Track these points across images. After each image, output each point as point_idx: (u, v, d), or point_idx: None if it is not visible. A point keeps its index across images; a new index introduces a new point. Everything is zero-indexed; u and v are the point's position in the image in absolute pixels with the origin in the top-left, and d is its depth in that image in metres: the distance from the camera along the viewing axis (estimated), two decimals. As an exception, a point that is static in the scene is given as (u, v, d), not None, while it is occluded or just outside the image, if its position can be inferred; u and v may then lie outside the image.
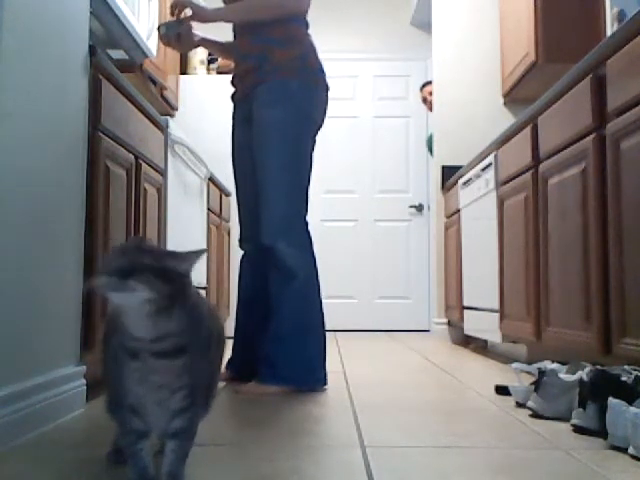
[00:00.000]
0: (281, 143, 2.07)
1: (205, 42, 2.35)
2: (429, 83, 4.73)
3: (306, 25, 2.20)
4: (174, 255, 0.86)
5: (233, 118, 2.29)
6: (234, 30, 2.24)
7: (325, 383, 2.07)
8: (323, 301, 2.16)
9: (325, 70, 2.19)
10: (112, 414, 0.96)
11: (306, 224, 2.12)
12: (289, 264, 2.05)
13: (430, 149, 4.94)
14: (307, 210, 2.13)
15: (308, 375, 2.05)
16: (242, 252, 2.33)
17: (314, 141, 2.16)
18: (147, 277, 0.81)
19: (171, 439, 0.92)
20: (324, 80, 2.17)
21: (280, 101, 2.07)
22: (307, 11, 2.19)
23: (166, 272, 0.83)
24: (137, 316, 0.83)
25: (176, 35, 2.18)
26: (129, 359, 0.86)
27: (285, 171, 2.07)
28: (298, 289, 2.07)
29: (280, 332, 2.06)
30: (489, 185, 3.04)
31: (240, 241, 2.31)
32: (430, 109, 4.72)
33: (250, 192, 2.20)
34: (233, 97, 2.28)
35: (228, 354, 2.30)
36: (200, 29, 2.27)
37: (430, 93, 4.65)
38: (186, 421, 0.92)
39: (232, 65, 2.33)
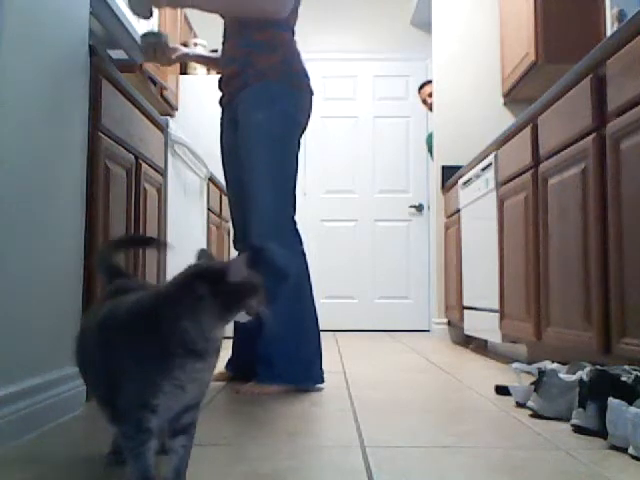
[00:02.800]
0: (266, 145, 2.08)
1: (186, 57, 2.41)
2: (427, 83, 4.72)
3: (292, 32, 2.20)
4: None
5: (221, 122, 2.32)
6: (224, 33, 2.24)
7: (322, 381, 2.08)
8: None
9: (309, 75, 2.20)
10: (121, 418, 0.95)
11: (294, 224, 2.13)
12: (280, 264, 2.06)
13: (430, 149, 4.93)
14: (295, 210, 2.15)
15: (305, 373, 2.06)
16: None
17: (299, 143, 2.17)
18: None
19: (181, 434, 0.94)
20: (308, 84, 2.18)
21: (264, 104, 2.08)
22: (287, 18, 2.16)
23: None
24: (224, 322, 0.92)
25: (153, 45, 2.20)
26: (194, 361, 0.90)
27: (271, 173, 2.09)
28: (291, 289, 2.07)
29: (275, 332, 2.06)
30: (489, 185, 3.04)
31: (234, 242, 2.32)
32: (431, 109, 4.72)
33: (240, 194, 2.21)
34: (221, 101, 2.30)
35: (228, 354, 2.30)
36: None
37: (429, 95, 4.64)
38: (196, 414, 0.96)
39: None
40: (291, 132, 2.13)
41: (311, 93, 2.19)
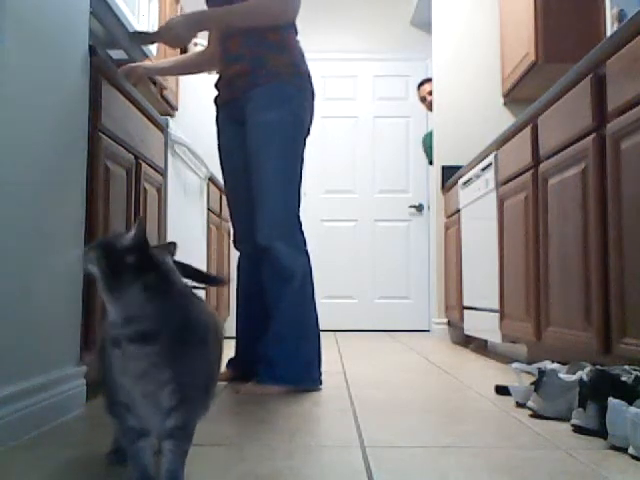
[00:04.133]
0: (278, 145, 2.08)
1: (155, 71, 2.47)
2: (426, 81, 4.72)
3: (295, 32, 2.21)
4: (124, 235, 0.90)
5: (218, 121, 2.30)
6: (222, 32, 2.21)
7: (320, 383, 2.08)
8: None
9: (312, 76, 2.20)
10: (110, 414, 0.96)
11: (300, 224, 2.14)
12: (286, 264, 2.06)
13: (426, 150, 4.91)
14: (300, 210, 2.15)
15: (305, 375, 2.06)
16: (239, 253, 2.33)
17: (305, 143, 2.18)
18: (96, 251, 0.89)
19: (168, 439, 0.92)
20: (311, 85, 2.19)
21: (277, 105, 2.08)
22: (295, 19, 2.18)
23: (110, 248, 0.89)
24: (104, 296, 0.88)
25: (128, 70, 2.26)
26: (112, 348, 0.89)
27: (282, 173, 2.09)
28: (296, 288, 2.08)
29: (279, 332, 2.06)
30: (489, 185, 3.04)
31: (234, 242, 2.32)
32: (429, 108, 4.72)
33: (243, 193, 2.20)
34: (216, 100, 2.29)
35: (230, 354, 2.30)
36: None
37: (429, 92, 4.64)
38: (180, 420, 0.91)
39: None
40: (299, 133, 2.14)
41: (313, 95, 2.20)
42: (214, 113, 2.33)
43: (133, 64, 2.36)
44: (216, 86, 2.28)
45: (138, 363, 0.88)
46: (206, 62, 2.45)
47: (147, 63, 2.52)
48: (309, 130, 2.20)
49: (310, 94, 2.18)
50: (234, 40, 2.16)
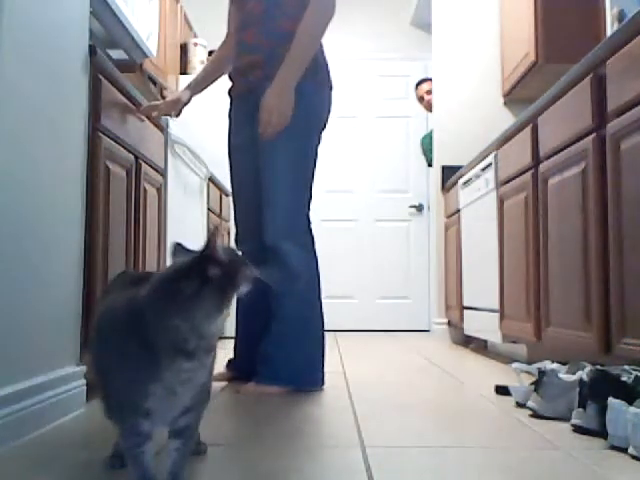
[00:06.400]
0: (290, 142, 2.02)
1: (194, 92, 2.43)
2: (424, 81, 4.71)
3: None
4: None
5: (230, 114, 2.24)
6: (239, 22, 2.15)
7: (323, 384, 2.08)
8: (323, 301, 2.16)
9: (329, 67, 2.15)
10: (115, 419, 0.94)
11: (309, 223, 2.11)
12: (293, 263, 2.04)
13: (424, 151, 4.90)
14: (310, 208, 2.12)
15: (307, 375, 2.05)
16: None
17: (320, 140, 2.13)
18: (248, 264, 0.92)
19: (176, 437, 0.93)
20: (329, 78, 2.13)
21: None
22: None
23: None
24: (220, 311, 0.88)
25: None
26: (183, 360, 0.86)
27: (293, 171, 2.05)
28: (301, 289, 2.06)
29: (282, 332, 2.05)
30: (489, 185, 3.04)
31: (237, 242, 2.29)
32: (427, 108, 4.71)
33: (251, 191, 2.15)
34: (230, 91, 2.22)
35: (230, 354, 2.30)
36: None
37: (427, 92, 4.64)
38: (192, 419, 0.93)
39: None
40: (314, 129, 2.10)
41: (331, 88, 2.13)
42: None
43: (174, 97, 2.31)
44: (230, 77, 2.21)
45: (204, 372, 0.90)
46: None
47: (184, 92, 2.42)
48: (325, 125, 2.14)
49: (327, 87, 2.11)
50: (249, 30, 2.09)
